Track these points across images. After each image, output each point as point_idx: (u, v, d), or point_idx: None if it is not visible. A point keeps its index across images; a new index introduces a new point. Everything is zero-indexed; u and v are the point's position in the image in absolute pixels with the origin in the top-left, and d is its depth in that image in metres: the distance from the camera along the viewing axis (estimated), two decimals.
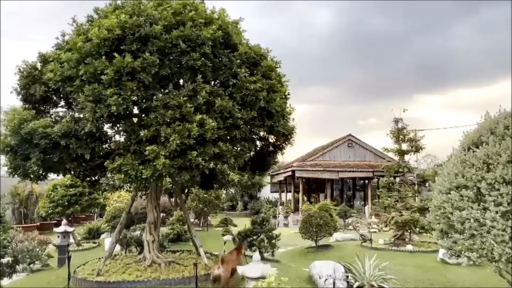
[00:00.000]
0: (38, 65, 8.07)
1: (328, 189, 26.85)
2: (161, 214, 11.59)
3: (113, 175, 7.37)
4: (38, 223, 20.51)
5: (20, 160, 7.60)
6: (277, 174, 29.94)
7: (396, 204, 13.63)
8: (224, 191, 25.83)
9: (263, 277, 5.86)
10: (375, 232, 15.77)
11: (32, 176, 7.90)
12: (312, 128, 67.77)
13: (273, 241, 11.03)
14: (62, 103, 8.53)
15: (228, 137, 7.32)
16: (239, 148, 7.71)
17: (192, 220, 18.32)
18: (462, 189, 5.34)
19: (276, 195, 34.96)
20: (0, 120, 7.86)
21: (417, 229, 13.15)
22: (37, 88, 7.72)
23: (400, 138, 14.40)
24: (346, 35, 55.02)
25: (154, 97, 7.00)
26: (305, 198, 29.25)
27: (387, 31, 50.51)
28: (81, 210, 15.39)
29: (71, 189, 14.84)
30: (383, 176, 15.36)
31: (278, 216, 26.30)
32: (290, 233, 18.72)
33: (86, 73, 6.65)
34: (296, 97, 25.09)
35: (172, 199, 20.45)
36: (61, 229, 10.80)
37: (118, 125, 7.66)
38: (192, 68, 7.05)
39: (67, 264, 8.11)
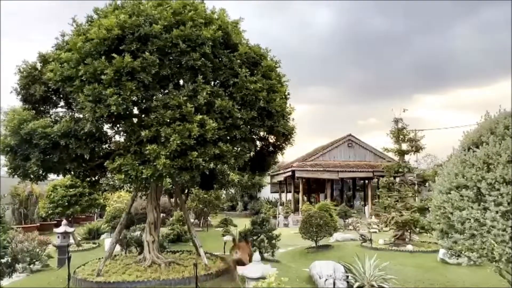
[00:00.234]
0: (38, 65, 8.07)
1: (328, 189, 26.85)
2: (161, 215, 11.59)
3: (113, 175, 7.37)
4: (38, 224, 20.49)
5: (20, 160, 7.60)
6: (277, 174, 29.93)
7: (396, 204, 13.63)
8: (224, 192, 25.84)
9: (263, 277, 5.86)
10: (375, 232, 15.76)
11: (32, 176, 7.90)
12: (312, 128, 67.86)
13: (273, 241, 11.02)
14: (62, 103, 8.53)
15: (228, 138, 7.32)
16: (239, 149, 7.70)
17: (192, 220, 18.32)
18: (462, 189, 5.34)
19: (276, 195, 34.95)
20: (0, 120, 7.86)
21: (417, 229, 13.14)
22: (37, 88, 7.72)
23: (400, 138, 14.40)
24: (346, 35, 55.10)
25: (154, 97, 6.99)
26: (305, 198, 29.24)
27: (387, 31, 50.58)
28: (81, 210, 15.38)
29: (71, 190, 14.84)
30: (383, 176, 15.35)
31: (278, 217, 26.30)
32: (290, 233, 18.72)
33: (86, 73, 6.65)
34: (296, 97, 25.14)
35: (172, 200, 20.45)
36: (61, 229, 10.80)
37: (118, 125, 7.66)
38: (192, 68, 7.05)
39: (67, 265, 8.11)
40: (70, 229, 11.12)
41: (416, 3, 53.06)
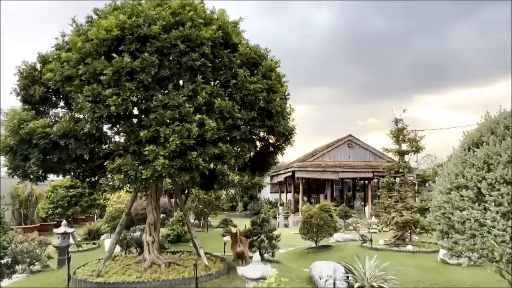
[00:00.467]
0: (38, 66, 8.07)
1: (328, 189, 26.85)
2: (161, 215, 11.58)
3: (112, 175, 7.36)
4: (38, 224, 20.47)
5: (20, 161, 7.60)
6: (277, 174, 29.93)
7: (396, 204, 13.62)
8: (224, 192, 25.82)
9: (263, 278, 5.84)
10: (375, 232, 15.73)
11: (31, 176, 7.89)
12: (312, 128, 67.84)
13: (273, 241, 11.01)
14: (62, 103, 8.54)
15: (228, 138, 7.31)
16: (239, 149, 7.70)
17: (192, 221, 18.31)
18: (463, 189, 5.33)
19: (276, 195, 34.94)
20: (0, 120, 7.86)
21: (418, 229, 13.12)
22: (37, 88, 7.72)
23: (400, 139, 14.38)
24: (346, 35, 55.05)
25: (154, 97, 6.99)
26: (305, 198, 29.22)
27: (387, 31, 50.52)
28: (81, 211, 15.35)
29: (71, 190, 14.82)
30: (383, 177, 15.33)
31: (278, 217, 26.29)
32: (290, 233, 18.69)
33: (86, 73, 6.65)
34: (296, 97, 25.07)
35: (172, 200, 20.43)
36: (61, 230, 10.79)
37: (117, 126, 7.65)
38: (191, 69, 7.04)
39: (67, 265, 8.11)
40: (70, 230, 11.11)
41: (416, 3, 52.96)
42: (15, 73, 7.93)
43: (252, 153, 8.62)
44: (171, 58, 6.97)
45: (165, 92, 7.27)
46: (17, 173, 7.90)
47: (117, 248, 10.11)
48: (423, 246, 12.91)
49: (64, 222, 11.68)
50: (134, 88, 6.61)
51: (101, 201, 17.56)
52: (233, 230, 11.95)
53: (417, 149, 14.38)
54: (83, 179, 9.49)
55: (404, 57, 54.27)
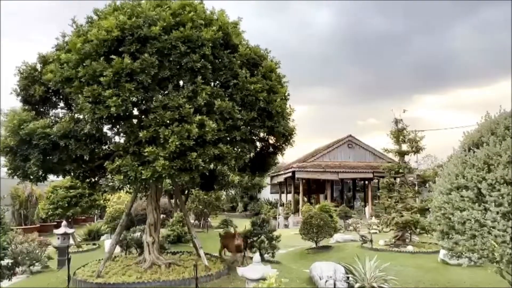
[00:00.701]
0: (38, 66, 8.07)
1: (328, 190, 26.83)
2: (161, 216, 11.57)
3: (112, 176, 7.36)
4: (38, 225, 20.47)
5: (20, 161, 7.61)
6: (277, 175, 29.91)
7: (396, 205, 13.61)
8: (224, 193, 25.81)
9: (264, 278, 5.84)
10: (376, 233, 15.72)
11: (31, 177, 7.89)
12: (312, 128, 67.84)
13: (273, 242, 11.00)
14: (62, 104, 8.54)
15: (228, 138, 7.31)
16: (239, 149, 7.70)
17: (192, 221, 18.30)
18: (463, 189, 5.33)
19: (276, 196, 34.93)
20: (0, 121, 7.86)
21: (418, 230, 13.11)
22: (37, 89, 7.72)
23: (400, 139, 14.37)
24: (346, 35, 55.06)
25: (154, 98, 6.99)
26: (305, 199, 29.21)
27: (387, 31, 50.54)
28: (81, 211, 15.34)
29: (71, 191, 14.81)
30: (383, 177, 15.32)
31: (278, 217, 26.28)
32: (290, 234, 18.66)
33: (85, 74, 6.65)
34: (296, 97, 25.01)
35: (172, 201, 20.42)
36: (61, 230, 10.79)
37: (117, 126, 7.66)
38: (192, 70, 7.04)
39: (67, 266, 8.10)
40: (70, 230, 11.11)
41: (416, 3, 53.00)
42: (15, 73, 7.94)
43: (252, 154, 8.62)
44: (171, 59, 6.97)
45: (165, 93, 7.28)
46: (17, 174, 7.90)
47: (117, 249, 10.11)
48: (423, 246, 12.90)
49: (64, 222, 11.67)
50: (134, 89, 6.61)
51: (101, 201, 17.54)
52: (232, 230, 12.02)
53: (417, 150, 14.37)
54: (83, 180, 9.49)
55: (404, 57, 54.31)
